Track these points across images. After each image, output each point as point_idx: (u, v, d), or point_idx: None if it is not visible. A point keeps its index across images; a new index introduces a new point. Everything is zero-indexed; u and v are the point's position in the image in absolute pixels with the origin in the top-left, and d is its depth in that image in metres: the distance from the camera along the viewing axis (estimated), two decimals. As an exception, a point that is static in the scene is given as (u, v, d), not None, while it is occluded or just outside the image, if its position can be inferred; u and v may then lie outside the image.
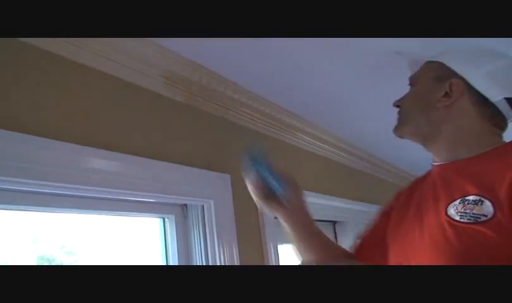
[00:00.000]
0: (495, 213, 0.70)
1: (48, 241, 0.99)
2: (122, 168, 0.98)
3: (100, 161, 0.93)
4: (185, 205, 1.21)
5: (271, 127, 1.60)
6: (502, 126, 0.84)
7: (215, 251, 1.19)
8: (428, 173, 0.89)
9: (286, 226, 1.00)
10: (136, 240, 1.18)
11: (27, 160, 0.80)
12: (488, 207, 0.71)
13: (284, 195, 0.92)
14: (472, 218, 0.72)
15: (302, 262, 1.04)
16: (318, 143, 1.90)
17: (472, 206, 0.73)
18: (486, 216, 0.71)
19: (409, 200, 0.90)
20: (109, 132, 0.98)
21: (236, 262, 1.24)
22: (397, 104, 0.93)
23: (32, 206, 0.89)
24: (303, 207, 0.99)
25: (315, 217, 1.83)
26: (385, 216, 0.96)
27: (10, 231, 0.91)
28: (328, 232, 2.09)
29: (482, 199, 0.73)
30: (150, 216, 1.18)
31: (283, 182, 0.92)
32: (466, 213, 0.73)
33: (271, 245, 1.42)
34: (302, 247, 1.01)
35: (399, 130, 0.91)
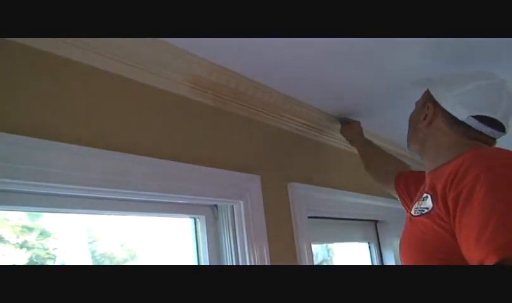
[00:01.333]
0: (433, 206, 0.84)
1: (107, 240, 1.07)
2: (155, 172, 1.02)
3: (135, 166, 0.99)
4: (215, 206, 1.24)
5: (303, 128, 1.59)
6: (483, 139, 0.93)
7: (245, 251, 1.21)
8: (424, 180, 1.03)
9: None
10: (170, 239, 1.23)
11: (77, 169, 0.87)
12: (429, 201, 0.86)
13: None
14: (419, 212, 0.88)
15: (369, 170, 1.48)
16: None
17: (422, 201, 0.89)
18: (428, 208, 0.86)
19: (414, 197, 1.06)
20: (142, 139, 1.03)
21: (267, 263, 1.25)
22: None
23: (78, 209, 0.96)
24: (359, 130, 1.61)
25: (356, 217, 1.84)
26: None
27: (72, 231, 0.99)
28: (370, 231, 2.05)
29: (427, 195, 0.88)
30: (182, 217, 1.21)
31: None
32: (417, 208, 0.90)
33: (304, 245, 1.42)
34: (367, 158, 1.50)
35: (408, 146, 1.12)
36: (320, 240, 1.74)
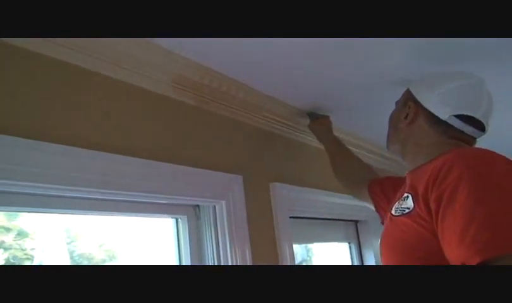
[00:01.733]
0: (414, 206, 0.84)
1: (85, 240, 1.06)
2: (136, 172, 1.01)
3: (116, 166, 0.97)
4: (197, 206, 1.24)
5: (285, 128, 1.60)
6: (463, 138, 0.94)
7: (227, 251, 1.21)
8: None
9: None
10: (152, 239, 1.22)
11: (51, 167, 0.85)
12: (410, 201, 0.86)
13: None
14: (400, 211, 0.88)
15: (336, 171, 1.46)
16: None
17: (402, 201, 0.89)
18: (409, 208, 0.85)
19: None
20: (122, 138, 1.02)
21: (249, 263, 1.25)
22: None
23: (57, 209, 0.94)
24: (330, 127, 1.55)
25: (337, 217, 1.84)
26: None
27: (49, 231, 0.97)
28: (350, 231, 2.07)
29: (408, 195, 0.88)
30: (163, 217, 1.20)
31: None
32: (397, 208, 0.89)
33: (286, 245, 1.43)
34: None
35: (387, 146, 1.12)
36: (301, 241, 1.75)
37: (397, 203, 0.92)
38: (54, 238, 0.99)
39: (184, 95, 1.20)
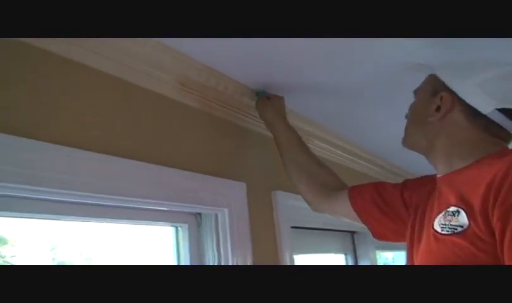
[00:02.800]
0: (469, 224, 0.71)
1: (66, 248, 0.99)
2: (134, 176, 0.95)
3: (112, 168, 0.90)
4: (199, 214, 1.18)
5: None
6: (502, 135, 0.83)
7: (229, 261, 1.16)
8: (435, 187, 0.90)
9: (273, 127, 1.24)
10: (149, 248, 1.17)
11: (41, 168, 0.77)
12: (463, 218, 0.73)
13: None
14: (450, 230, 0.74)
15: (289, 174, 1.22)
16: (334, 150, 1.86)
17: (451, 217, 0.76)
18: (462, 227, 0.72)
19: (419, 206, 0.92)
20: (121, 139, 0.96)
21: (251, 273, 1.20)
22: (406, 116, 0.97)
23: (47, 214, 0.87)
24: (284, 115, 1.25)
25: (334, 228, 1.80)
26: (393, 196, 1.03)
27: (30, 238, 0.91)
28: (346, 242, 2.04)
29: (459, 209, 0.74)
30: (163, 225, 1.15)
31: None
32: (445, 224, 0.76)
33: (287, 255, 1.38)
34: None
35: (403, 143, 0.97)
36: (298, 251, 1.71)
37: (441, 218, 0.78)
38: (36, 245, 0.92)
39: (187, 97, 1.16)
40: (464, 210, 0.74)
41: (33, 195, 0.80)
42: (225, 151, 1.26)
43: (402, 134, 0.97)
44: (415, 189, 0.99)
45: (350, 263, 2.02)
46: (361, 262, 2.03)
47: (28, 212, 0.83)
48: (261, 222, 1.32)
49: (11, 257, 0.88)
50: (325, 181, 1.18)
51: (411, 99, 0.97)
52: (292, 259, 1.41)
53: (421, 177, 1.03)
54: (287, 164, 1.23)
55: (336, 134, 1.78)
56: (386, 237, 1.07)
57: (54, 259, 0.97)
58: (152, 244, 1.18)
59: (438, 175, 0.89)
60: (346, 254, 2.03)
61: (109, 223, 1.03)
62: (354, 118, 1.64)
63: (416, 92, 0.96)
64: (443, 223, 0.77)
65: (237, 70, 1.18)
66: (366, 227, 1.10)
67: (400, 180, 1.09)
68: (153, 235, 1.18)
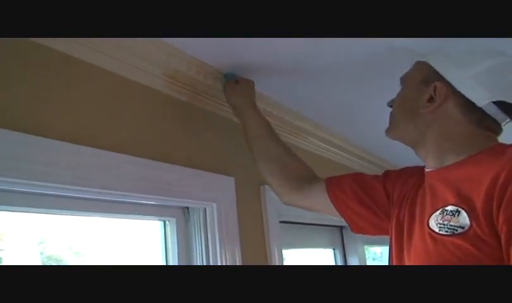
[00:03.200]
0: (471, 225, 0.68)
1: (55, 242, 0.98)
2: (121, 170, 0.94)
3: (99, 161, 0.89)
4: (187, 208, 1.18)
5: (280, 131, 1.53)
6: (495, 128, 0.80)
7: (217, 256, 1.15)
8: (423, 181, 0.86)
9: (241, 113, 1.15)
10: (137, 242, 1.16)
11: (27, 161, 0.76)
12: (464, 218, 0.69)
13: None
14: (449, 230, 0.70)
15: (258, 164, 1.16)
16: (329, 147, 1.85)
17: (450, 217, 0.71)
18: (463, 227, 0.68)
19: (405, 199, 0.88)
20: (109, 133, 0.94)
21: (239, 268, 1.20)
22: (390, 104, 0.92)
23: (34, 208, 0.86)
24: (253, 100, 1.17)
25: (322, 222, 1.79)
26: (374, 190, 0.98)
27: (18, 232, 0.89)
28: (335, 237, 2.04)
29: (459, 209, 0.71)
30: (150, 219, 1.14)
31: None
32: (444, 224, 0.72)
33: (275, 250, 1.38)
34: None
35: (388, 133, 0.91)
36: (287, 246, 1.71)
37: (438, 217, 0.74)
38: (24, 239, 0.91)
39: (176, 90, 1.14)
40: (465, 210, 0.70)
41: (20, 188, 0.78)
42: (213, 146, 1.25)
43: (385, 124, 0.93)
44: (398, 180, 0.95)
45: (338, 258, 2.03)
46: (350, 257, 2.04)
47: (15, 205, 0.82)
48: (249, 217, 1.31)
49: (-1, 251, 0.86)
50: (299, 173, 1.11)
51: (392, 83, 0.91)
52: (280, 254, 1.41)
53: (403, 169, 0.99)
54: (256, 154, 1.14)
55: (313, 121, 1.69)
56: (365, 231, 1.03)
57: (42, 253, 0.97)
58: (140, 238, 1.17)
59: (427, 169, 0.85)
60: (334, 249, 2.04)
61: (96, 217, 1.02)
62: (332, 103, 1.54)
63: (403, 79, 0.90)
64: (441, 222, 0.73)
65: (225, 63, 1.17)
66: (344, 220, 1.05)
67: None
68: (142, 229, 1.17)
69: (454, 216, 0.71)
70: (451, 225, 0.71)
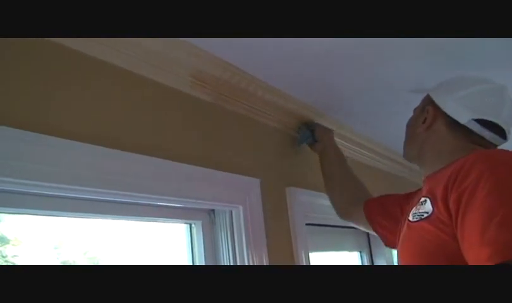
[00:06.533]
0: (433, 210, 0.81)
1: (70, 247, 0.95)
2: (147, 172, 0.92)
3: (123, 164, 0.88)
4: (213, 210, 1.16)
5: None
6: (484, 144, 0.91)
7: (244, 259, 1.13)
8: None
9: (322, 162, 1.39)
10: (161, 246, 1.14)
11: (49, 163, 0.75)
12: (428, 205, 0.83)
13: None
14: (418, 217, 0.85)
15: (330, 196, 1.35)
16: (355, 147, 1.81)
17: (420, 206, 0.87)
18: (427, 212, 0.83)
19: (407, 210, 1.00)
20: (133, 134, 0.93)
21: (266, 272, 1.17)
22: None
23: (54, 211, 0.85)
24: (332, 144, 1.41)
25: (349, 225, 1.75)
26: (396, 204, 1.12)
27: (32, 237, 0.87)
28: (362, 240, 2.00)
29: (426, 199, 0.85)
30: (176, 222, 1.12)
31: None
32: (415, 213, 0.87)
33: (302, 252, 1.35)
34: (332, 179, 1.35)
35: (404, 156, 1.09)
36: (314, 249, 1.67)
37: (414, 209, 0.89)
38: (38, 244, 0.88)
39: (201, 91, 1.13)
40: (429, 199, 0.84)
41: (36, 190, 0.76)
42: (239, 147, 1.23)
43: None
44: (412, 197, 1.05)
45: (365, 261, 1.98)
46: (377, 260, 1.98)
47: (31, 208, 0.80)
48: (276, 219, 1.29)
49: (13, 256, 0.84)
50: (359, 197, 1.26)
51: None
52: (307, 257, 1.38)
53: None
54: (332, 187, 1.35)
55: (357, 132, 1.74)
56: (387, 237, 1.16)
57: (57, 258, 0.94)
58: (163, 242, 1.14)
59: (424, 177, 0.97)
60: (361, 252, 1.99)
61: (118, 221, 1.00)
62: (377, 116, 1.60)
63: (414, 110, 1.07)
64: (414, 212, 0.87)
65: (249, 63, 1.15)
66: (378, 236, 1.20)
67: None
68: (164, 232, 1.15)
69: (422, 205, 0.85)
70: (419, 212, 0.85)
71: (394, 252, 2.35)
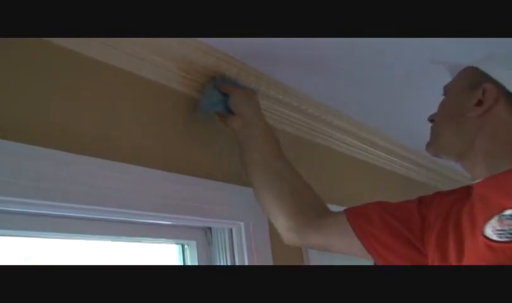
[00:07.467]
0: None
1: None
2: (131, 183, 0.83)
3: (103, 173, 0.79)
4: (209, 228, 1.06)
5: (312, 131, 1.41)
6: None
7: (247, 286, 0.99)
8: (469, 195, 0.83)
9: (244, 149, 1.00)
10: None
11: (13, 174, 0.66)
12: None
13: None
14: (509, 236, 0.68)
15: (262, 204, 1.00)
16: (371, 149, 1.68)
17: (510, 221, 0.69)
18: None
19: (442, 216, 0.84)
20: (114, 140, 0.86)
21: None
22: (431, 118, 0.91)
23: (21, 231, 0.77)
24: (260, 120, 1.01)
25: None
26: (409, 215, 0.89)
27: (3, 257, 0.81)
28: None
29: None
30: (165, 243, 1.03)
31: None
32: (504, 230, 0.69)
33: (315, 276, 1.20)
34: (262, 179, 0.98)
35: (430, 147, 0.89)
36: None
37: (495, 223, 0.71)
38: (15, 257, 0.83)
39: (193, 87, 1.03)
40: None
41: (15, 208, 0.71)
42: (239, 156, 1.10)
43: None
44: (432, 202, 0.89)
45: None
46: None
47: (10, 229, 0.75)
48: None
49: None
50: (312, 202, 0.98)
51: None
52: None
53: (437, 192, 0.94)
54: (261, 176, 0.98)
55: (374, 130, 1.60)
56: (390, 263, 0.88)
57: None
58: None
59: (475, 181, 0.81)
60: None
61: (100, 241, 0.91)
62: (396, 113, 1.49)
63: (447, 88, 0.89)
64: (499, 228, 0.70)
65: (249, 52, 1.05)
66: (369, 257, 0.89)
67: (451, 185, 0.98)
68: (152, 255, 1.04)
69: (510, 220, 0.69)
70: (510, 230, 0.68)
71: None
